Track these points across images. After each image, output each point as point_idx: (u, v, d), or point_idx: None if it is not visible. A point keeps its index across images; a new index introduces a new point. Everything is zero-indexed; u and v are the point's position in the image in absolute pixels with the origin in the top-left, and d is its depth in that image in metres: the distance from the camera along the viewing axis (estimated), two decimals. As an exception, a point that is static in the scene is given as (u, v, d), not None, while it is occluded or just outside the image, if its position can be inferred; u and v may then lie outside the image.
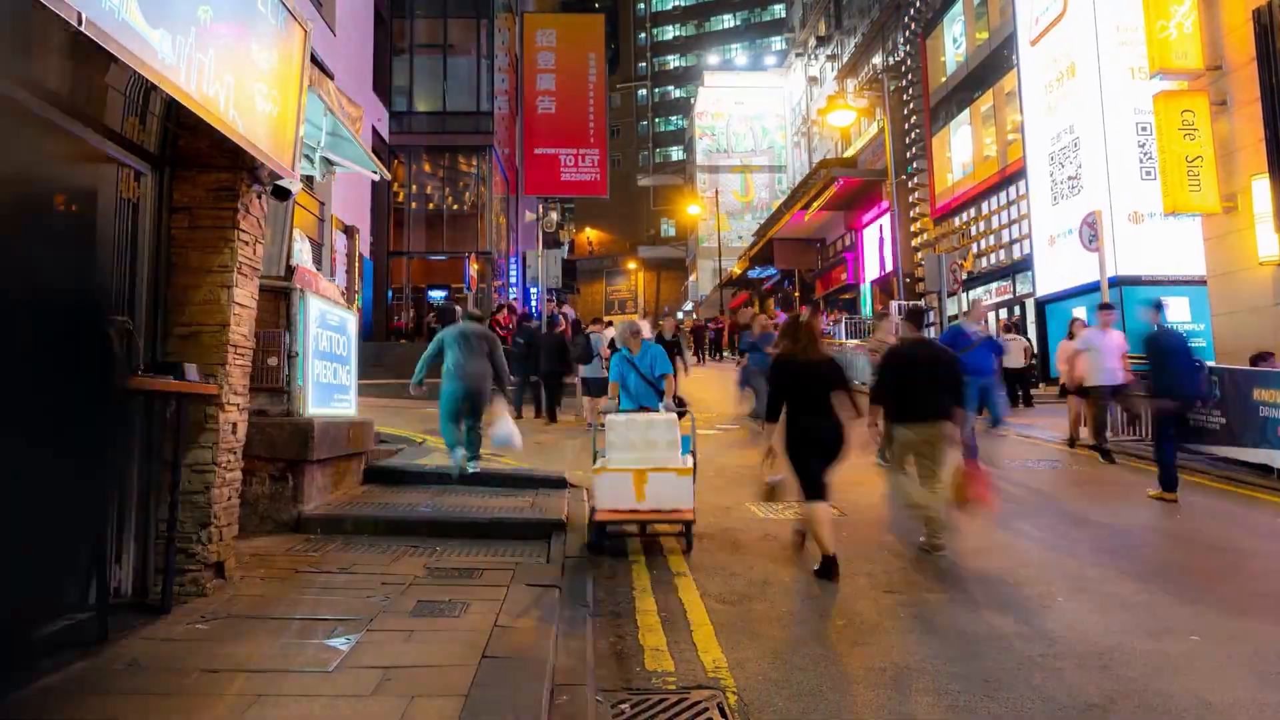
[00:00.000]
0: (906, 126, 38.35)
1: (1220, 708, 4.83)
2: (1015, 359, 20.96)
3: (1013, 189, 29.16)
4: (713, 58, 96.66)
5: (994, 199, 30.76)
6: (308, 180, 10.28)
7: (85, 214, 5.93)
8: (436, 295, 34.05)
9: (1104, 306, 14.31)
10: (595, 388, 16.48)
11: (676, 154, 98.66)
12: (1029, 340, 23.55)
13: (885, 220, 37.29)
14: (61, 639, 5.11)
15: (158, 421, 6.26)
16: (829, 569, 7.27)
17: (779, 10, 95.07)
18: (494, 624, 5.72)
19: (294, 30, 6.65)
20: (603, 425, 8.77)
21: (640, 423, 8.77)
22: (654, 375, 9.70)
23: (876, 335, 16.01)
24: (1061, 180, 25.54)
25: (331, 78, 10.27)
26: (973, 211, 32.27)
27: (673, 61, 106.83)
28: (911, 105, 38.16)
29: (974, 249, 31.13)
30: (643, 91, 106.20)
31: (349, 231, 12.76)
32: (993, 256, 30.76)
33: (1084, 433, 14.36)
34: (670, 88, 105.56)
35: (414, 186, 34.14)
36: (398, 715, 4.27)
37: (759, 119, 71.69)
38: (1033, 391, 22.12)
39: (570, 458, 12.97)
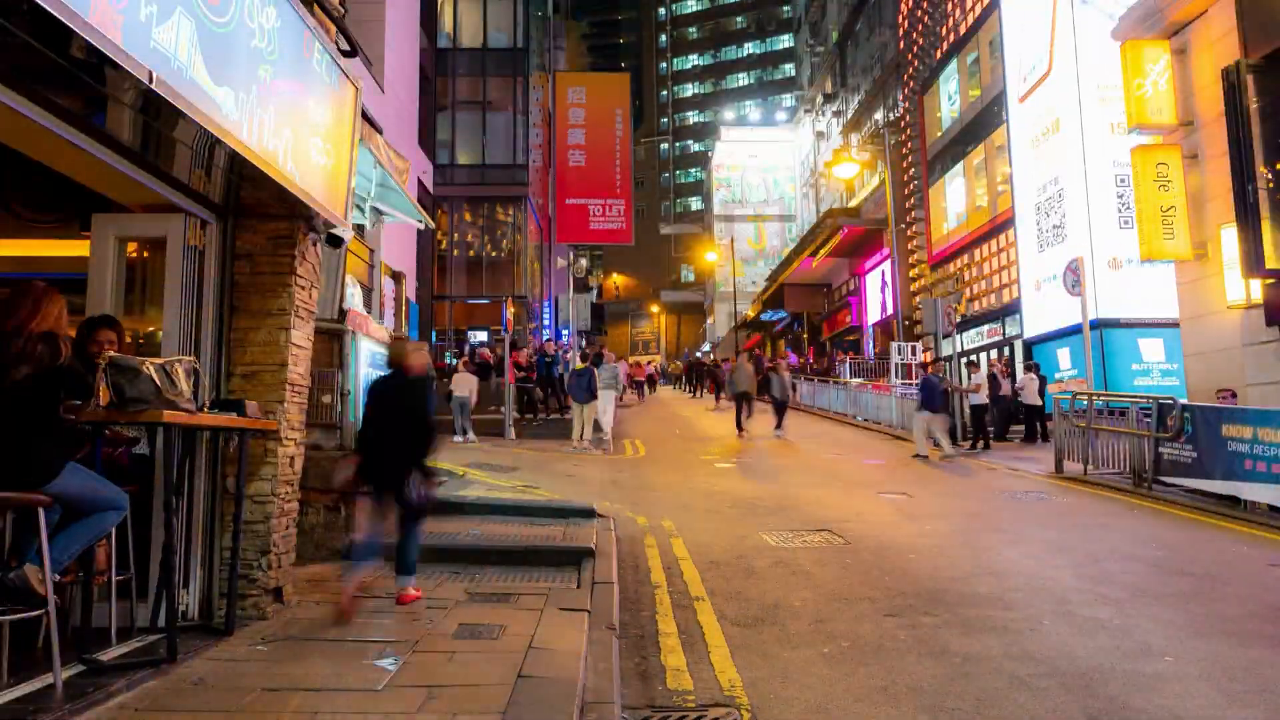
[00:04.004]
0: (906, 178, 38.38)
1: (1191, 723, 4.85)
2: (1031, 396, 21.37)
3: (1002, 237, 29.12)
4: (729, 113, 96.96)
5: (985, 246, 30.70)
6: (359, 229, 10.36)
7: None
8: (478, 336, 34.14)
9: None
10: None
11: (696, 204, 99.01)
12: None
13: (886, 266, 37.28)
14: (135, 658, 5.16)
15: (222, 455, 6.32)
16: None
17: (789, 69, 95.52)
18: (529, 645, 5.72)
19: (346, 88, 6.71)
20: None
21: None
22: None
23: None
24: (1047, 229, 25.56)
25: (381, 132, 10.39)
26: (966, 258, 32.19)
27: (692, 117, 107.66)
28: (910, 158, 38.20)
29: (967, 293, 31.07)
30: (665, 145, 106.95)
31: (397, 277, 12.87)
32: (984, 300, 30.69)
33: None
34: (690, 141, 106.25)
35: (455, 234, 34.38)
36: (440, 732, 4.28)
37: (771, 171, 71.33)
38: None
39: (596, 489, 12.96)
